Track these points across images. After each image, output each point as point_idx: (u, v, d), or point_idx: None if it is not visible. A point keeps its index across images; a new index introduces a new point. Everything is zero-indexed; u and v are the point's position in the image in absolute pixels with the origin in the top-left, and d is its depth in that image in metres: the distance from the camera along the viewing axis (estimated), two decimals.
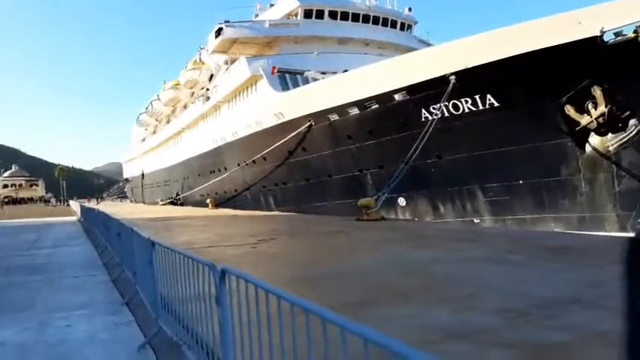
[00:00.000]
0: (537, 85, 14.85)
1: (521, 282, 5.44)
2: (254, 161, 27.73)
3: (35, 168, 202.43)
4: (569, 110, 14.73)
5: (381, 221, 15.09)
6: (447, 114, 17.02)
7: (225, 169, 32.45)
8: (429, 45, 28.52)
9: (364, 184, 21.38)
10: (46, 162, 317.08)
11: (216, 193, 35.40)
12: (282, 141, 24.14)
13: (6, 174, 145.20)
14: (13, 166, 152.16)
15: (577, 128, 14.74)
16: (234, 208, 31.45)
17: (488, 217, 17.44)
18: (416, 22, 33.29)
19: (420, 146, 16.43)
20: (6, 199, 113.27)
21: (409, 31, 32.80)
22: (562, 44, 13.95)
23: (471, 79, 15.82)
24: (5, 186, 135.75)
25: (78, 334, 4.74)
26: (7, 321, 5.43)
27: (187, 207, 39.78)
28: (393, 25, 31.44)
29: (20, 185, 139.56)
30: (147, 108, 62.08)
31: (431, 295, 5.07)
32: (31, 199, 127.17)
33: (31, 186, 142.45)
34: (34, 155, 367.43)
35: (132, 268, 6.01)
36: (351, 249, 9.38)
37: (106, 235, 10.57)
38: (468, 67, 15.83)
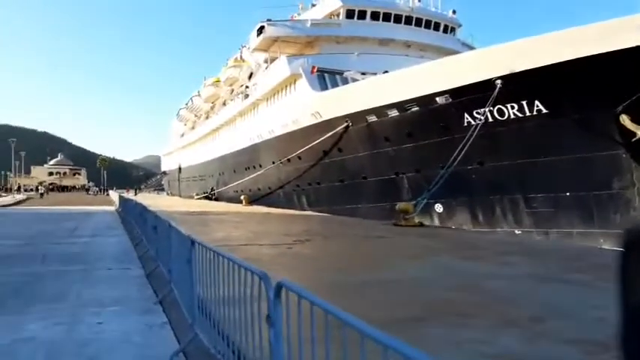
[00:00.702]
0: (590, 92, 14.04)
1: (592, 307, 4.89)
2: (289, 160, 27.67)
3: (79, 157, 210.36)
4: (625, 120, 13.84)
5: (420, 227, 14.61)
6: (491, 119, 16.37)
7: (260, 166, 32.58)
8: (472, 48, 27.65)
9: (400, 187, 20.93)
10: (89, 152, 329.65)
11: (250, 190, 35.61)
12: (318, 140, 23.95)
13: (52, 162, 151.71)
14: (59, 155, 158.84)
15: (633, 139, 13.84)
16: (268, 205, 31.53)
17: (531, 229, 16.66)
18: (460, 25, 32.42)
19: (467, 151, 15.88)
20: (50, 186, 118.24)
21: (452, 33, 31.96)
22: (620, 50, 13.13)
23: (519, 84, 15.14)
24: (50, 173, 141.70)
25: (109, 334, 4.58)
26: (38, 313, 5.35)
27: (222, 202, 40.25)
28: (436, 27, 30.69)
29: (64, 173, 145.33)
30: (187, 103, 63.37)
31: (493, 316, 4.61)
32: (74, 187, 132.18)
33: (74, 174, 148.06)
34: (78, 145, 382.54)
35: (167, 264, 5.80)
36: (392, 256, 8.95)
37: (142, 227, 10.57)
38: (515, 71, 15.16)
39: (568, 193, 15.48)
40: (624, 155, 14.26)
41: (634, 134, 13.75)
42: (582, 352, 3.60)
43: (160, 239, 6.68)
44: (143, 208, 10.46)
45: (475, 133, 15.93)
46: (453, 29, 31.89)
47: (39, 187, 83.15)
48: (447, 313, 4.70)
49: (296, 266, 7.64)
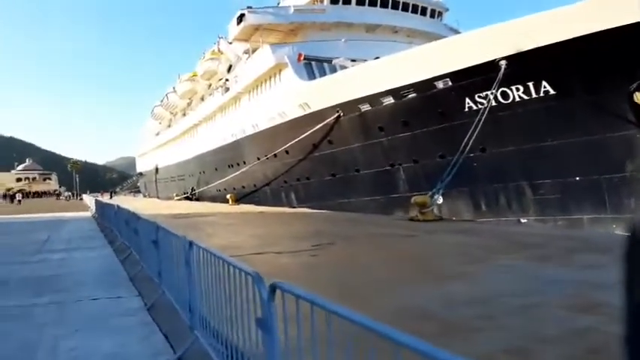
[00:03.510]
0: (601, 71, 13.29)
1: None
2: (275, 155, 26.42)
3: (49, 162, 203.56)
4: (639, 98, 13.14)
5: (440, 221, 13.35)
6: (494, 103, 15.51)
7: (245, 163, 31.21)
8: (458, 33, 26.84)
9: (396, 179, 20.00)
10: (59, 156, 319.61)
11: (234, 189, 34.20)
12: (306, 133, 22.77)
13: (20, 167, 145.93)
14: (28, 160, 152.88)
15: None
16: (253, 203, 30.25)
17: (537, 217, 15.92)
18: (447, 10, 31.58)
19: (473, 138, 14.96)
20: (19, 192, 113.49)
21: (439, 18, 31.09)
22: (634, 23, 12.36)
23: (525, 65, 14.28)
24: (19, 179, 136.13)
25: None
26: None
27: (206, 202, 38.67)
28: (423, 12, 29.77)
29: (34, 179, 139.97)
30: (162, 100, 61.04)
31: None
32: (44, 193, 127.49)
33: (44, 180, 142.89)
34: (48, 149, 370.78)
35: (183, 296, 4.06)
36: (447, 260, 7.37)
37: (130, 238, 9.09)
38: (523, 50, 14.28)
39: (578, 178, 14.76)
40: (638, 135, 13.57)
41: None
42: None
43: (164, 256, 5.03)
44: (131, 216, 8.65)
45: (483, 118, 15.02)
46: (440, 14, 31.02)
47: (16, 195, 79.18)
48: None
49: (343, 283, 5.94)
